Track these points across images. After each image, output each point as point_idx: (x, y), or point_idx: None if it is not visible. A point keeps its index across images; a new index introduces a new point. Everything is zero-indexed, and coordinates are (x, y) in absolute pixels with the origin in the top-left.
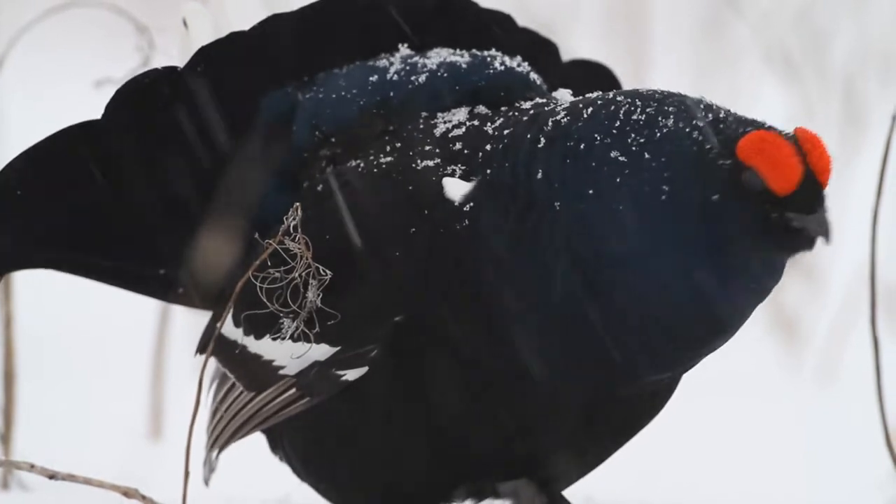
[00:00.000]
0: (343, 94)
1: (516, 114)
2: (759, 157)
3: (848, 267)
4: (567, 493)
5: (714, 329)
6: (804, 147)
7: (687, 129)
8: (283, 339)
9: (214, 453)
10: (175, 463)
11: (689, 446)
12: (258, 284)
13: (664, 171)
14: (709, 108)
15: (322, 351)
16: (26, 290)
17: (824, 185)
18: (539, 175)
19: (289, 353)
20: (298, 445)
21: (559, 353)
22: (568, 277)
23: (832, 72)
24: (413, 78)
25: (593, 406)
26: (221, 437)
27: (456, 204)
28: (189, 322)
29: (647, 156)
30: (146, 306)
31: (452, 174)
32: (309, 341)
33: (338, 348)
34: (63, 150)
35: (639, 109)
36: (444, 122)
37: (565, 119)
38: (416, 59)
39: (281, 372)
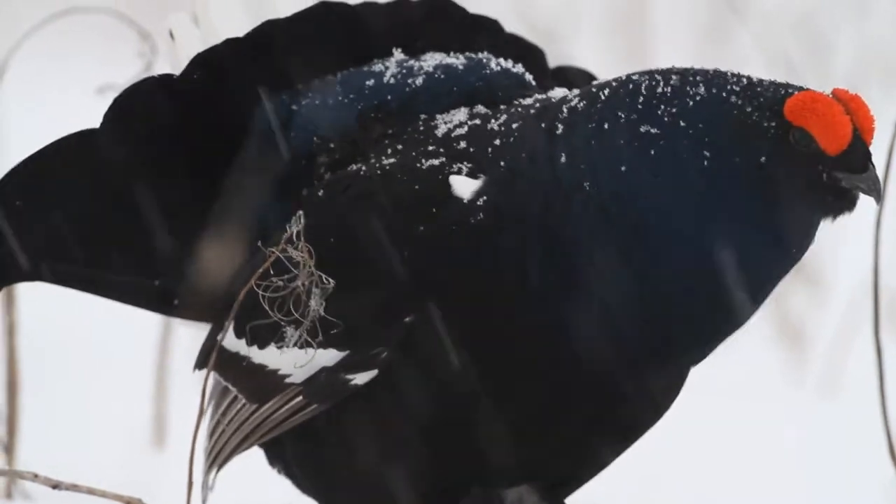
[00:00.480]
0: (340, 99)
1: (520, 110)
2: (810, 116)
3: (851, 275)
4: (570, 499)
5: (756, 293)
6: (850, 107)
7: (723, 94)
8: (288, 347)
9: (213, 473)
10: (179, 472)
11: (692, 453)
12: (261, 293)
13: (704, 136)
14: (736, 75)
15: (330, 356)
16: (29, 298)
17: (870, 144)
18: (563, 159)
19: (294, 362)
20: (302, 456)
21: (597, 333)
22: (604, 255)
23: (834, 79)
24: (410, 81)
25: (602, 405)
26: (222, 452)
27: (466, 201)
28: (192, 330)
29: (682, 124)
30: (149, 314)
31: (459, 172)
32: (313, 348)
33: (346, 352)
34: (61, 160)
35: (661, 84)
36: (445, 123)
37: (581, 104)
38: (411, 62)
39: (287, 380)
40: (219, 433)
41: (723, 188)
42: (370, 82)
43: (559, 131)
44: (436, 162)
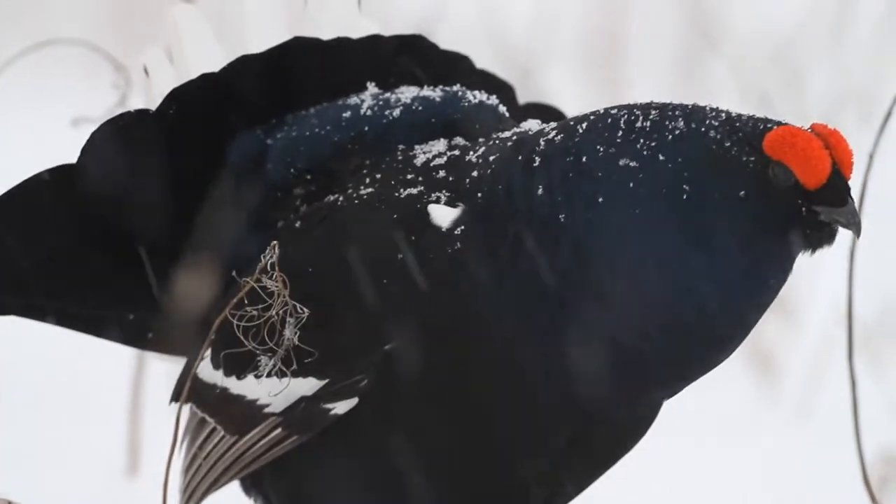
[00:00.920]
0: (317, 130)
1: (498, 142)
2: (789, 151)
3: (825, 304)
4: None
5: (737, 327)
6: (829, 141)
7: (702, 129)
8: (264, 376)
9: None
10: (153, 499)
11: (666, 483)
12: (235, 322)
13: (683, 170)
14: (715, 109)
15: (309, 385)
16: (2, 326)
17: (848, 178)
18: (539, 191)
19: (268, 391)
20: (282, 489)
21: (573, 366)
22: (579, 288)
23: (809, 110)
24: (387, 112)
25: (579, 429)
26: (200, 487)
27: (444, 229)
28: (166, 363)
29: (661, 157)
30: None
31: (437, 201)
32: (288, 377)
33: (325, 381)
34: (37, 196)
35: (640, 118)
36: (424, 153)
37: (559, 137)
38: (387, 95)
39: (266, 410)
40: (196, 467)
41: (702, 222)
42: (347, 114)
43: (536, 163)
44: (414, 191)
